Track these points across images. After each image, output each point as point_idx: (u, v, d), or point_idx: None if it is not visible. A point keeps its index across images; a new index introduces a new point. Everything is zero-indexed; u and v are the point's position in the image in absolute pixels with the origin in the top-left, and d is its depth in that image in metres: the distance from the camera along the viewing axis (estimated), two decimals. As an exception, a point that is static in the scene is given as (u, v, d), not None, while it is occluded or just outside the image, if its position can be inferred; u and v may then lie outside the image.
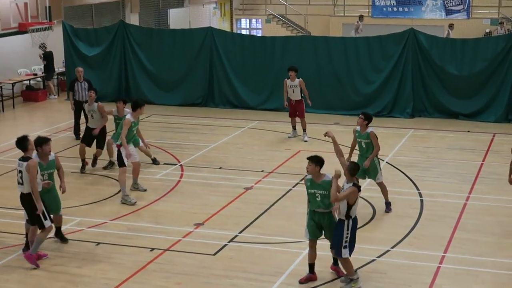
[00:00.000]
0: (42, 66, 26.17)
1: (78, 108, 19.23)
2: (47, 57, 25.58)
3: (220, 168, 16.73)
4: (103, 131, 16.68)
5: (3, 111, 23.67)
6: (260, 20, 39.93)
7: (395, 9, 35.69)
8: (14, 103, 24.41)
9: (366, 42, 22.30)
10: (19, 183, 11.40)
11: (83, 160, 16.55)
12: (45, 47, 25.38)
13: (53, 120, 22.38)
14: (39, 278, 11.03)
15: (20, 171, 11.31)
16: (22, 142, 11.56)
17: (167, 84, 24.11)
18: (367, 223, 13.17)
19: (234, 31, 39.13)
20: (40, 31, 19.63)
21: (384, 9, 35.85)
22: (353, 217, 10.47)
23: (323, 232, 10.75)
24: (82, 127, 19.58)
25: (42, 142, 11.66)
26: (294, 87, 18.82)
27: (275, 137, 19.64)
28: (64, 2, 27.48)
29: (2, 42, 24.27)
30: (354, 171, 10.59)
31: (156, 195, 14.84)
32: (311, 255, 10.87)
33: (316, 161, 10.58)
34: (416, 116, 21.83)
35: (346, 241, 10.41)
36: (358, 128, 13.53)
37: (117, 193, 14.86)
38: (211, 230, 12.91)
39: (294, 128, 19.44)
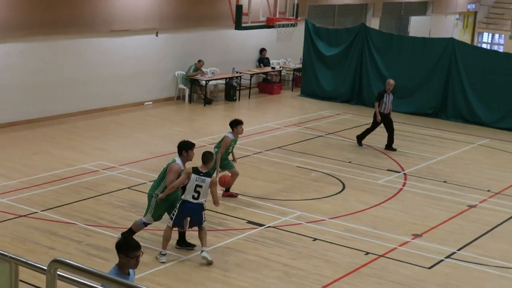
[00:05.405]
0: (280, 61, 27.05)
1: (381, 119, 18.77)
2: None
3: (444, 181, 16.34)
4: None
5: (239, 99, 24.68)
6: (503, 35, 38.45)
7: None
8: (250, 93, 25.40)
9: None
10: None
11: None
12: None
13: (284, 114, 22.98)
14: (255, 263, 11.37)
15: None
16: None
17: (401, 91, 23.75)
18: None
19: (474, 44, 37.99)
20: (285, 27, 20.28)
21: None
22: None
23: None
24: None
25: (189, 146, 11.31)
26: None
27: (508, 157, 18.85)
28: (309, 1, 28.11)
29: (248, 34, 25.27)
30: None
31: (376, 200, 14.78)
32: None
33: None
34: None
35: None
36: None
37: (338, 192, 15.00)
38: (429, 243, 12.64)
39: None
